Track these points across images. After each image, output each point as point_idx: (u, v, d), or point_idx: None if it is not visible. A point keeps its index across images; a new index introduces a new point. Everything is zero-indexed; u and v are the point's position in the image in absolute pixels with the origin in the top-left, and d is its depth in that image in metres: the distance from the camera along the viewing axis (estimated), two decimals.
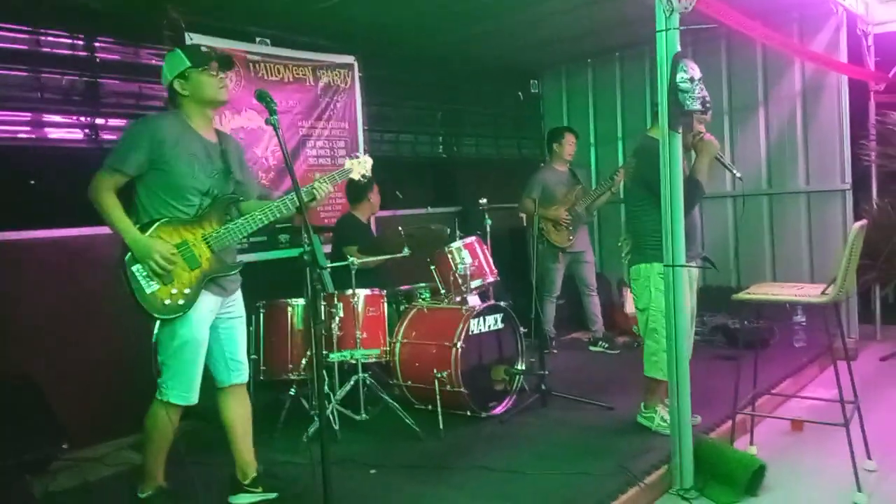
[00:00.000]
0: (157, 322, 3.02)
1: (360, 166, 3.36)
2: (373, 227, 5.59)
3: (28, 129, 4.41)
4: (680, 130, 3.32)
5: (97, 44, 4.63)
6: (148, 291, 2.95)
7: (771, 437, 4.22)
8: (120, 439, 4.27)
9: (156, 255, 2.93)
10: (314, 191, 3.21)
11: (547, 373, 4.63)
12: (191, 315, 3.05)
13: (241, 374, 3.37)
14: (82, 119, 4.56)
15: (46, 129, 4.48)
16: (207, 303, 3.12)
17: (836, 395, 3.57)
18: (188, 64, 3.11)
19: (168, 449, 3.22)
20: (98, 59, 4.63)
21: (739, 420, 4.02)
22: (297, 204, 3.05)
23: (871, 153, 6.36)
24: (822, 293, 3.58)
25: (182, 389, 3.10)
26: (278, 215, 3.16)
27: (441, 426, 4.15)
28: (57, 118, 4.49)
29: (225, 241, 3.13)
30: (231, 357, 3.32)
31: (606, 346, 6.15)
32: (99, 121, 4.62)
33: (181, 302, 3.01)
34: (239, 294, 3.36)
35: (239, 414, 3.37)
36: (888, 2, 6.17)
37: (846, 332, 4.79)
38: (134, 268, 2.94)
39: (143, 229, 2.99)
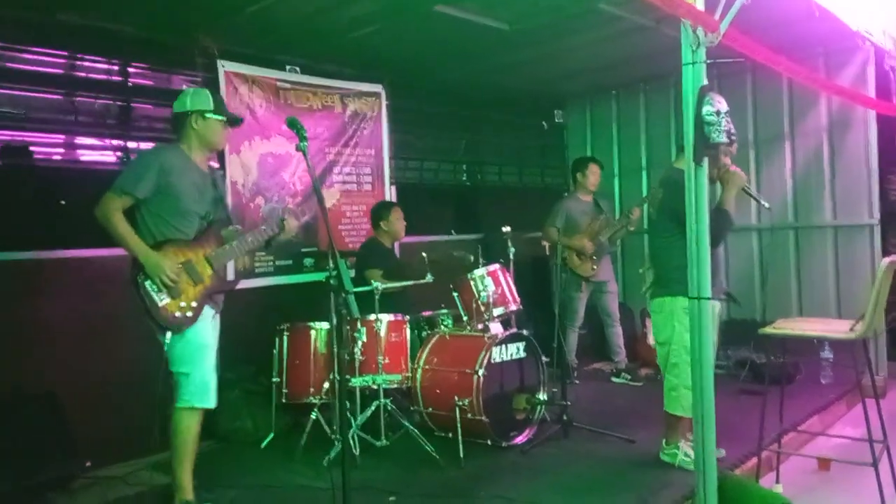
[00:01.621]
0: (168, 334, 3.23)
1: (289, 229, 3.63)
2: (396, 251, 5.62)
3: (62, 150, 4.52)
4: (705, 163, 3.31)
5: (131, 69, 4.75)
6: (160, 304, 3.22)
7: (797, 475, 4.15)
8: (142, 459, 4.29)
9: (166, 269, 3.21)
10: (284, 224, 3.55)
11: (569, 403, 4.59)
12: (198, 323, 3.33)
13: None
14: (114, 142, 4.66)
15: (79, 152, 4.58)
16: (208, 313, 3.41)
17: (865, 434, 3.52)
18: (211, 108, 3.44)
19: (194, 458, 3.38)
20: (131, 84, 4.74)
21: (765, 457, 3.96)
22: (267, 236, 3.52)
23: None
24: (851, 329, 3.54)
25: (203, 391, 3.35)
26: (265, 238, 3.53)
27: (462, 454, 4.12)
28: (90, 141, 4.59)
29: (224, 259, 3.45)
30: None
31: (629, 377, 6.09)
32: (131, 144, 4.71)
33: (189, 314, 3.29)
34: (217, 318, 3.55)
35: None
36: None
37: (875, 370, 4.71)
38: (146, 283, 3.21)
39: (152, 249, 3.25)
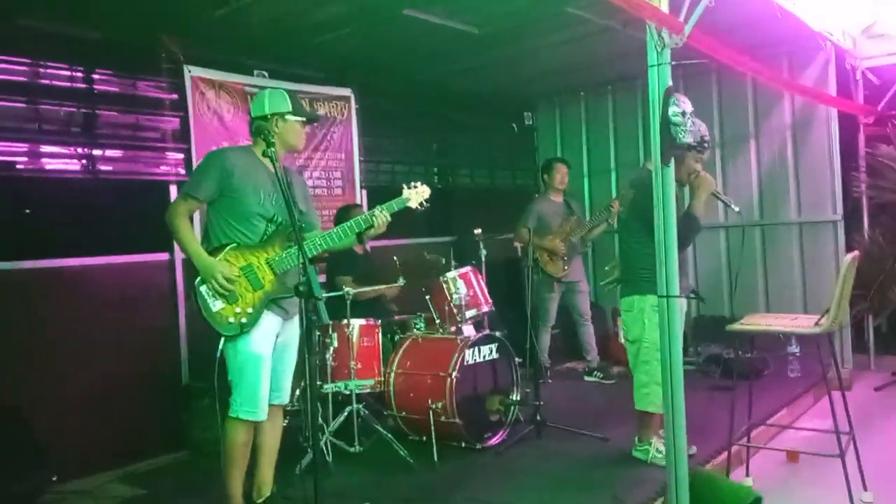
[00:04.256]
0: (222, 339, 3.17)
1: (418, 195, 3.56)
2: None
3: (25, 159, 4.42)
4: (672, 164, 3.35)
5: (95, 76, 4.66)
6: (214, 310, 3.16)
7: (767, 468, 4.21)
8: (110, 472, 4.23)
9: (218, 276, 3.14)
10: (373, 218, 3.39)
11: (542, 403, 4.61)
12: (251, 333, 3.22)
13: (279, 396, 3.47)
14: (80, 150, 4.58)
15: (44, 160, 4.49)
16: (269, 322, 3.29)
17: (832, 426, 3.58)
18: (289, 109, 3.37)
19: (245, 468, 3.34)
20: (96, 91, 4.66)
21: (735, 451, 4.01)
22: (355, 231, 3.36)
23: (862, 185, 6.43)
24: (816, 324, 3.60)
25: (249, 405, 3.26)
26: (338, 242, 3.36)
27: (436, 458, 4.12)
28: (54, 149, 4.50)
29: (286, 265, 3.29)
30: (272, 379, 3.40)
31: (601, 375, 6.14)
32: (96, 152, 4.64)
33: (244, 321, 3.20)
34: (296, 320, 3.46)
35: (269, 434, 3.48)
36: (875, 38, 6.28)
37: (840, 363, 4.80)
38: (202, 288, 3.17)
39: (215, 253, 3.22)
